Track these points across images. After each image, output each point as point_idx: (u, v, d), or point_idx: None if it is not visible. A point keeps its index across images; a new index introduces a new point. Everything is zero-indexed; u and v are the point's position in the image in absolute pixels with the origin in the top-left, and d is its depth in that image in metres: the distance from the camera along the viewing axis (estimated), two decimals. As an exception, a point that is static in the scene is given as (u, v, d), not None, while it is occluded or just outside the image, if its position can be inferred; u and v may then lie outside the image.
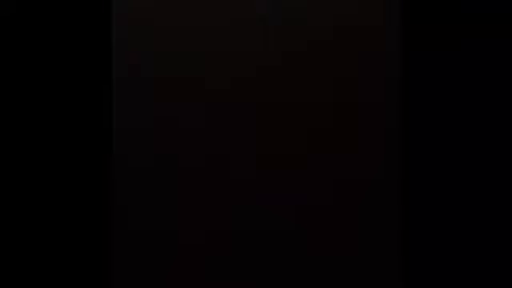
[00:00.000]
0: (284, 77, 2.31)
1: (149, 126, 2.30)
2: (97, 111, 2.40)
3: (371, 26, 2.31)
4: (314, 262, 2.30)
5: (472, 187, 2.39)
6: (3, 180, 2.40)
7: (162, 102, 2.31)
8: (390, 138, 2.30)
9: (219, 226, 2.31)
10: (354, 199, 2.30)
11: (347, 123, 2.30)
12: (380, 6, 2.31)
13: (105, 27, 2.41)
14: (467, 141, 2.39)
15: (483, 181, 2.39)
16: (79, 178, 2.40)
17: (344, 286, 2.30)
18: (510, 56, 2.39)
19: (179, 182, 2.30)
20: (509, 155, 2.39)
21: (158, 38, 2.32)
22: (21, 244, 2.39)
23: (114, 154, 2.29)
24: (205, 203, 2.31)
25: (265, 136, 2.31)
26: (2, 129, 2.39)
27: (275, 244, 2.30)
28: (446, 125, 2.40)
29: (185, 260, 2.31)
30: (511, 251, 2.38)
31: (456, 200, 2.39)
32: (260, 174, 2.31)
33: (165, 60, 2.31)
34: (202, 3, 2.32)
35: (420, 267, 2.39)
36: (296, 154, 2.30)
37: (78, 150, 2.39)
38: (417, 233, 2.39)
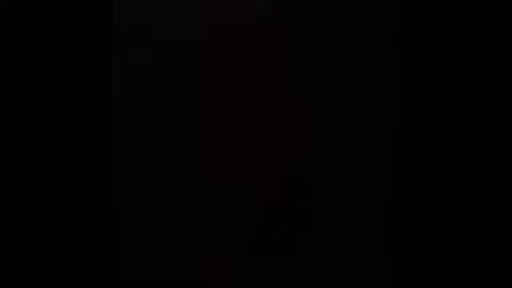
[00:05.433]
0: (283, 77, 2.32)
1: (148, 127, 2.31)
2: (96, 110, 2.41)
3: (371, 26, 2.31)
4: (314, 261, 2.31)
5: (472, 187, 2.39)
6: (3, 177, 2.40)
7: (162, 103, 2.31)
8: (390, 137, 2.30)
9: (219, 224, 2.31)
10: (354, 199, 2.30)
11: (347, 123, 2.31)
12: (379, 6, 2.31)
13: (105, 26, 2.41)
14: (467, 141, 2.40)
15: (483, 180, 2.39)
16: (79, 176, 2.40)
17: (343, 285, 2.30)
18: (509, 56, 2.39)
19: (178, 181, 2.31)
20: (509, 155, 2.39)
21: (158, 38, 2.32)
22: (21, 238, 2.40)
23: (114, 153, 2.29)
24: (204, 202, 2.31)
25: (264, 135, 2.31)
26: (1, 127, 2.40)
27: (275, 244, 2.31)
28: (446, 124, 2.40)
29: (185, 257, 2.31)
30: (511, 251, 2.38)
31: (456, 200, 2.39)
32: (259, 173, 2.31)
33: (164, 59, 2.31)
34: (202, 3, 2.32)
35: (420, 267, 2.39)
36: (296, 154, 2.31)
37: (77, 149, 2.40)
38: (417, 233, 2.39)
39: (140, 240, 2.30)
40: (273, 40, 2.31)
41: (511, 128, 2.39)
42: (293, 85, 2.31)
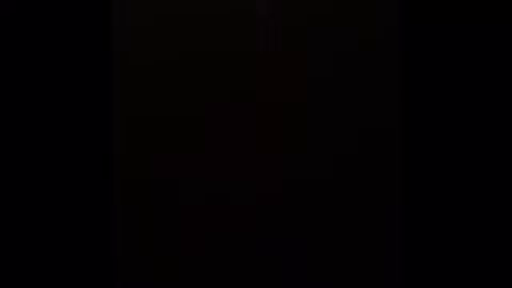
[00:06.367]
0: (283, 76, 2.31)
1: (149, 124, 2.30)
2: (97, 110, 2.40)
3: (371, 26, 2.30)
4: (314, 261, 2.31)
5: (472, 187, 2.39)
6: (3, 177, 2.40)
7: (162, 102, 2.31)
8: (390, 137, 2.30)
9: (218, 222, 2.31)
10: (354, 199, 2.30)
11: (347, 123, 2.30)
12: (380, 5, 2.30)
13: (105, 25, 2.41)
14: (467, 140, 2.39)
15: (483, 180, 2.39)
16: (79, 176, 2.40)
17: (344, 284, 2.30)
18: (509, 57, 2.39)
19: (179, 181, 2.30)
20: (509, 154, 2.39)
21: (158, 38, 2.31)
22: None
23: (114, 153, 2.29)
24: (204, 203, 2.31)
25: (264, 135, 2.30)
26: (1, 127, 2.39)
27: (275, 244, 2.30)
28: (446, 124, 2.40)
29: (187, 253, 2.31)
30: (511, 251, 2.38)
31: (456, 200, 2.39)
32: (259, 173, 2.31)
33: (164, 59, 2.31)
34: (201, 3, 2.32)
35: (420, 267, 2.39)
36: (296, 154, 2.30)
37: (78, 149, 2.39)
38: (416, 233, 2.39)
39: (140, 240, 2.30)
40: (272, 40, 2.31)
41: (511, 128, 2.39)
42: (292, 84, 2.30)
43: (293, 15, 2.31)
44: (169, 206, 2.30)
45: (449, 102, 2.39)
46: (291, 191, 2.30)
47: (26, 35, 2.39)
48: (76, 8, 2.40)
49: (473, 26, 2.39)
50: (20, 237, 2.39)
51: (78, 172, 2.40)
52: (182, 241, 2.30)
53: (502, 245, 2.38)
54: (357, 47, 2.30)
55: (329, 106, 2.30)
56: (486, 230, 2.38)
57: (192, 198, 2.30)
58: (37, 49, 2.40)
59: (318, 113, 2.31)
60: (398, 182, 2.29)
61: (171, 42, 2.31)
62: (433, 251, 2.39)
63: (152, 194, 2.30)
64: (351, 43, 2.31)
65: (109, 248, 2.39)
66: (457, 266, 2.38)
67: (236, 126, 2.30)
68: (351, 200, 2.30)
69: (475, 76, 2.40)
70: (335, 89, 2.31)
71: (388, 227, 2.29)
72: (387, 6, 2.30)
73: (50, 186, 2.39)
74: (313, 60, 2.30)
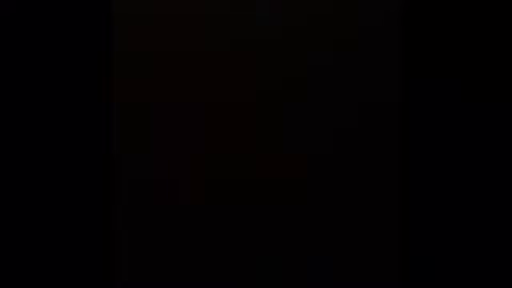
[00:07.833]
0: (284, 75, 2.32)
1: (148, 125, 2.31)
2: (96, 109, 2.41)
3: (371, 26, 2.31)
4: (314, 260, 2.31)
5: (472, 187, 2.39)
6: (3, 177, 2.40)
7: (162, 102, 2.31)
8: (390, 137, 2.30)
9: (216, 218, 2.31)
10: (354, 199, 2.30)
11: (347, 122, 2.31)
12: (380, 6, 2.31)
13: (105, 26, 2.41)
14: (467, 140, 2.40)
15: (483, 180, 2.40)
16: (79, 175, 2.40)
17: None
18: (509, 55, 2.39)
19: (179, 185, 2.31)
20: (509, 155, 2.39)
21: (158, 37, 2.32)
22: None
23: (113, 154, 2.29)
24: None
25: (264, 133, 2.31)
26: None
27: (275, 243, 2.31)
28: (446, 124, 2.40)
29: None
30: (511, 251, 2.38)
31: (456, 200, 2.40)
32: (258, 171, 2.31)
33: (164, 59, 2.32)
34: (201, 3, 2.32)
35: (420, 267, 2.39)
36: (296, 153, 2.31)
37: (77, 149, 2.40)
38: (417, 233, 2.39)
39: (140, 240, 2.30)
40: (273, 41, 2.31)
41: (511, 127, 2.39)
42: (292, 83, 2.31)
43: (292, 14, 2.31)
44: (169, 207, 2.30)
45: (449, 102, 2.40)
46: (291, 190, 2.30)
47: (25, 33, 2.39)
48: (76, 7, 2.40)
49: (474, 25, 2.40)
50: (19, 237, 2.39)
51: (77, 172, 2.40)
52: (181, 241, 2.30)
53: (502, 244, 2.39)
54: (357, 47, 2.31)
55: (329, 105, 2.31)
56: (486, 230, 2.38)
57: (190, 198, 2.30)
58: (35, 49, 2.40)
59: (317, 112, 2.31)
60: (398, 183, 2.30)
61: (170, 42, 2.31)
62: (432, 252, 2.39)
63: (152, 194, 2.30)
64: (351, 42, 2.31)
65: (108, 249, 2.39)
66: (456, 266, 2.39)
67: (235, 120, 2.31)
68: (350, 200, 2.30)
69: (476, 74, 2.40)
70: (335, 88, 2.31)
71: (388, 227, 2.30)
72: (387, 6, 2.31)
73: (48, 186, 2.40)
74: (312, 59, 2.31)
